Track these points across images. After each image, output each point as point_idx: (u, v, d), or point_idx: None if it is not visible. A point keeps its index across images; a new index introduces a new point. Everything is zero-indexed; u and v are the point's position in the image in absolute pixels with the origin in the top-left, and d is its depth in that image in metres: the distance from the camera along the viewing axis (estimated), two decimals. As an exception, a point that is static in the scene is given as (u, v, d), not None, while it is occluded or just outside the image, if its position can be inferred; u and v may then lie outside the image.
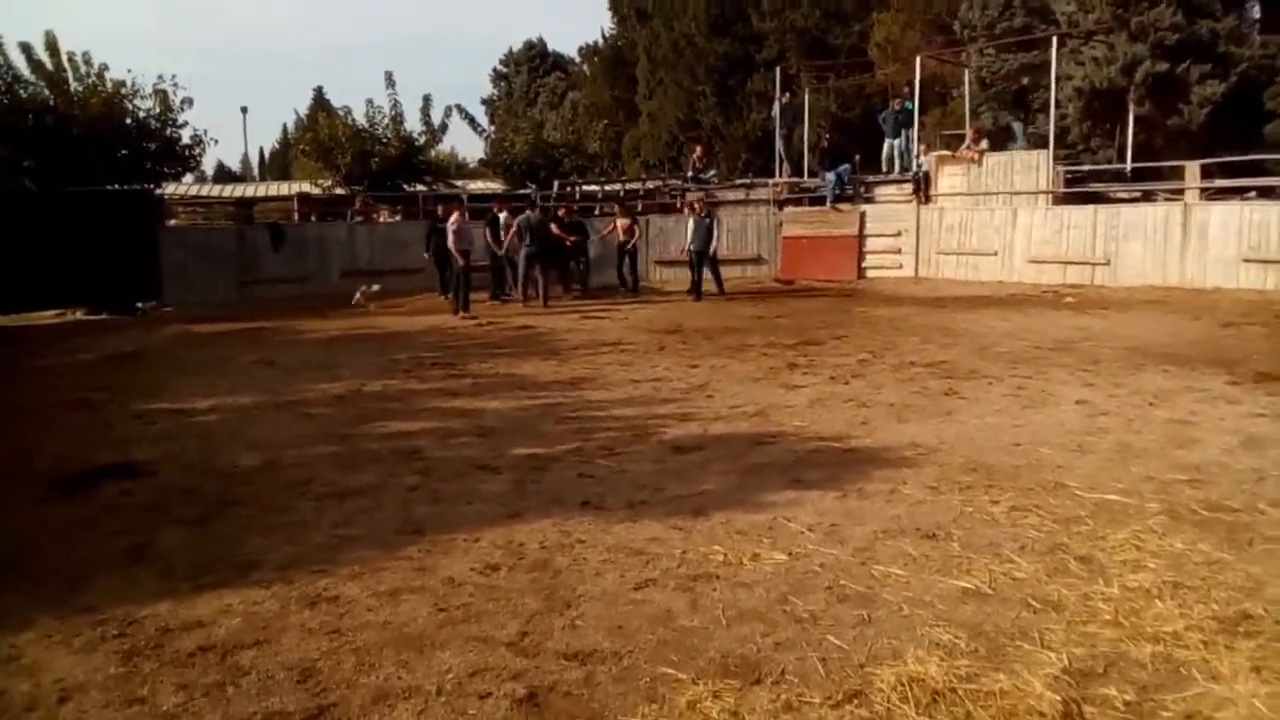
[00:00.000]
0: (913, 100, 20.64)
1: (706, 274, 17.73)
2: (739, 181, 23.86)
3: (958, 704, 3.24)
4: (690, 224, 17.77)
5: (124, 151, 19.48)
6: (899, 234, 19.61)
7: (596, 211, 21.06)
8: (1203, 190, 16.35)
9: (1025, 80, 22.28)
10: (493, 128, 35.39)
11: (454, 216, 16.28)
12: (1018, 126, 20.78)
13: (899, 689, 3.33)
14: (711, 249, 17.54)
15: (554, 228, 18.34)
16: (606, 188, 26.07)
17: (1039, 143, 19.95)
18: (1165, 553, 4.57)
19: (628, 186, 26.05)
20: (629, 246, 18.73)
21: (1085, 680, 3.39)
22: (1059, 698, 3.24)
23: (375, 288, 17.56)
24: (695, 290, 17.51)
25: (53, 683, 3.62)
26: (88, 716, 3.37)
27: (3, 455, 7.19)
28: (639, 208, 22.14)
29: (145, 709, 3.41)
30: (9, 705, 3.47)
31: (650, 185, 25.54)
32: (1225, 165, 16.82)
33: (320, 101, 25.84)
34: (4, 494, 6.14)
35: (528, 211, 17.87)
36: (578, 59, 49.89)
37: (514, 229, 17.38)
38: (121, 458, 6.91)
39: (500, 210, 18.15)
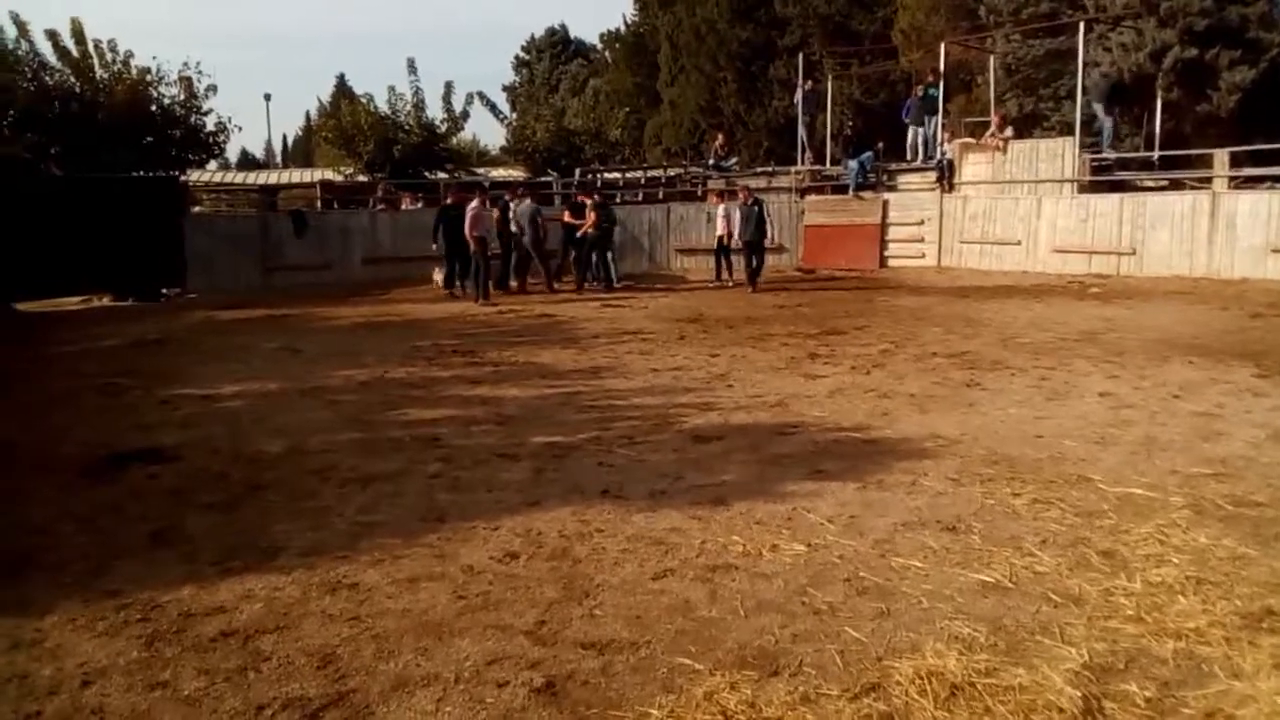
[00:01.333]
0: (936, 86, 20.42)
1: (726, 259, 17.69)
2: (761, 169, 23.73)
3: (976, 698, 3.22)
4: (736, 213, 17.22)
5: (149, 138, 19.65)
6: (922, 223, 19.46)
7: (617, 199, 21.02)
8: (1231, 179, 16.13)
9: (1125, 73, 19.68)
10: (514, 115, 35.33)
11: (473, 203, 16.28)
12: (1108, 121, 18.84)
13: (917, 682, 3.32)
14: (767, 237, 17.13)
15: (566, 215, 18.34)
16: (628, 175, 26.02)
17: (1065, 130, 19.72)
18: (1189, 548, 4.52)
19: (649, 174, 26.00)
20: (611, 238, 18.47)
21: (1106, 676, 3.37)
22: (1079, 693, 3.22)
23: None
24: (752, 280, 16.94)
25: (76, 666, 3.66)
26: (110, 700, 3.41)
27: (30, 440, 7.28)
28: (660, 195, 22.04)
29: (167, 693, 3.45)
30: (33, 688, 3.51)
31: (672, 173, 25.48)
32: (1255, 153, 16.58)
33: (343, 89, 25.89)
34: (30, 478, 6.21)
35: (527, 200, 17.83)
36: (599, 45, 49.76)
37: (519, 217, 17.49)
38: (147, 443, 6.97)
39: (512, 198, 18.10)
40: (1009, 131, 19.27)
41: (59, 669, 3.65)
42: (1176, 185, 17.06)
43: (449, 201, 17.45)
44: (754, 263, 17.07)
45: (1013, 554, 4.51)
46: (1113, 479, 5.59)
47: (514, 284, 17.86)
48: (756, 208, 16.91)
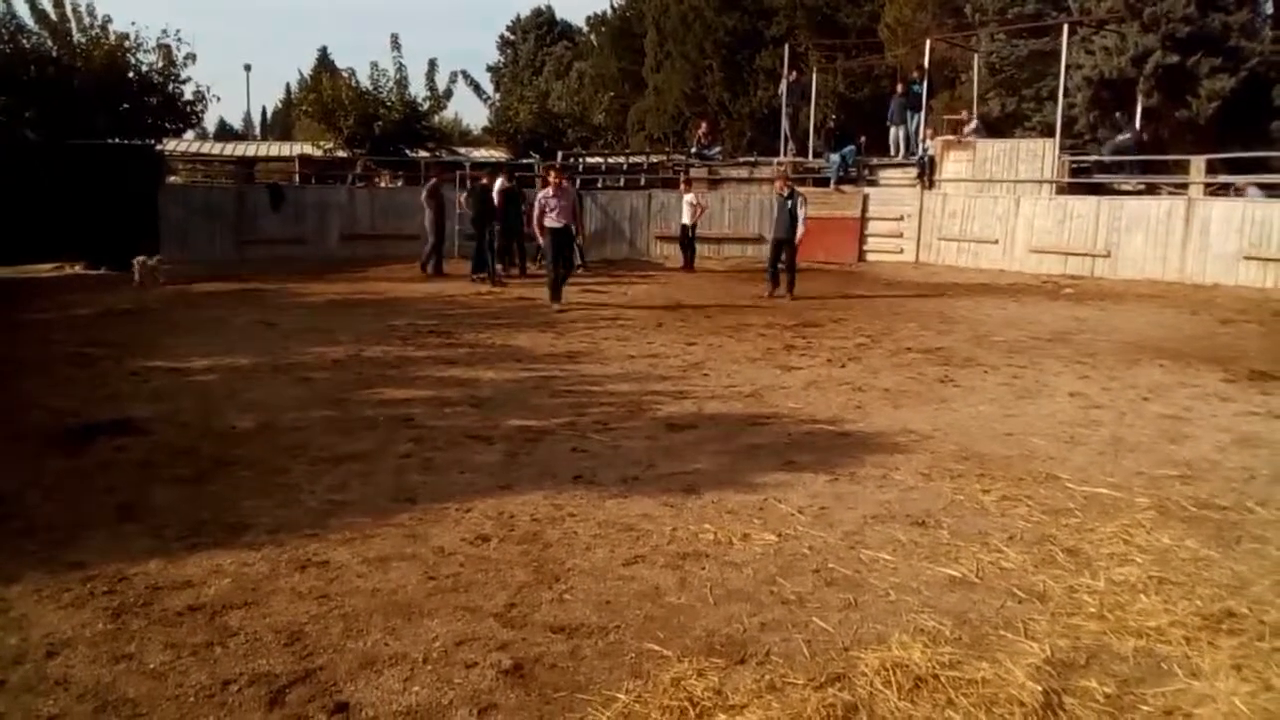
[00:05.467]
0: (921, 82, 20.49)
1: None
2: (743, 159, 23.74)
3: (939, 690, 3.26)
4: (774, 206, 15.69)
5: (125, 105, 19.33)
6: (901, 218, 19.56)
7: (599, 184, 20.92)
8: (1207, 186, 16.31)
9: (1107, 73, 19.60)
10: (498, 95, 35.11)
11: (546, 190, 15.48)
12: (1120, 137, 18.57)
13: (882, 674, 3.35)
14: (798, 236, 14.62)
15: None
16: (610, 160, 25.95)
17: (1046, 131, 19.87)
18: (1152, 548, 4.59)
19: (631, 160, 25.95)
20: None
21: (1067, 672, 3.42)
22: (1040, 688, 3.27)
23: (156, 259, 15.89)
24: (774, 281, 14.85)
25: (41, 637, 3.63)
26: (75, 671, 3.39)
27: (-3, 408, 7.19)
28: (641, 181, 21.96)
29: (132, 666, 3.43)
30: (-3, 658, 3.49)
31: (654, 159, 25.43)
32: (1230, 161, 16.77)
33: (325, 62, 25.51)
34: (-3, 446, 6.14)
35: (483, 180, 17.33)
36: (585, 28, 49.58)
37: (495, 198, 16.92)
38: (117, 414, 6.90)
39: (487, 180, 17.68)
40: (972, 125, 19.55)
41: (24, 639, 3.62)
42: (1153, 190, 17.24)
43: (483, 182, 17.06)
44: (782, 263, 14.83)
45: (980, 549, 4.56)
46: (1080, 478, 5.66)
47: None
48: (790, 201, 14.75)
